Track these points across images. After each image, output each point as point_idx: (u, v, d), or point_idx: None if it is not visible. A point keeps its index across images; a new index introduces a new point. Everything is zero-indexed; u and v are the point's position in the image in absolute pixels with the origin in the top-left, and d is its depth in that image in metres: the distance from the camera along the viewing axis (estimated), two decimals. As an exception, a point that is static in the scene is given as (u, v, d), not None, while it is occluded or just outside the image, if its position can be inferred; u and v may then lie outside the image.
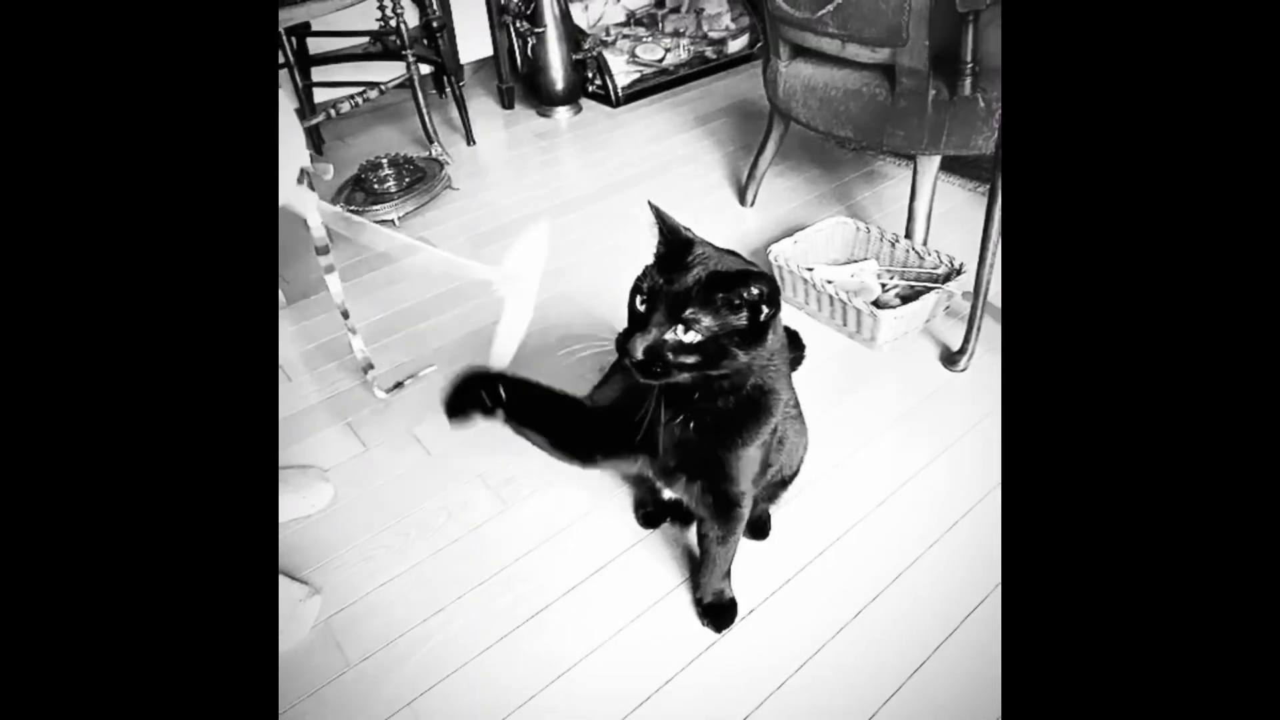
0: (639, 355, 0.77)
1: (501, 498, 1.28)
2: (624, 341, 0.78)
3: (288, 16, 1.78)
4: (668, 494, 1.00)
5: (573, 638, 1.06)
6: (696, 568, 1.11)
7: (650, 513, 1.20)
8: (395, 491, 1.31)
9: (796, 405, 1.08)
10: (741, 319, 0.77)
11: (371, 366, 1.48)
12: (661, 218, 0.80)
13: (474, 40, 2.92)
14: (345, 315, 1.38)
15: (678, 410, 0.85)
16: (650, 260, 0.81)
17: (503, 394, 0.86)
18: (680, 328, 0.76)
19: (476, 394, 0.86)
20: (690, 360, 0.77)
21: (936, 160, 1.61)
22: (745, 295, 0.76)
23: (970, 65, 1.44)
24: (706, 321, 0.76)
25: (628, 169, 2.34)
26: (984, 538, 1.15)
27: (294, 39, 2.34)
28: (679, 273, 0.77)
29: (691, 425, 0.85)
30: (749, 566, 1.13)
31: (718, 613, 1.07)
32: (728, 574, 1.06)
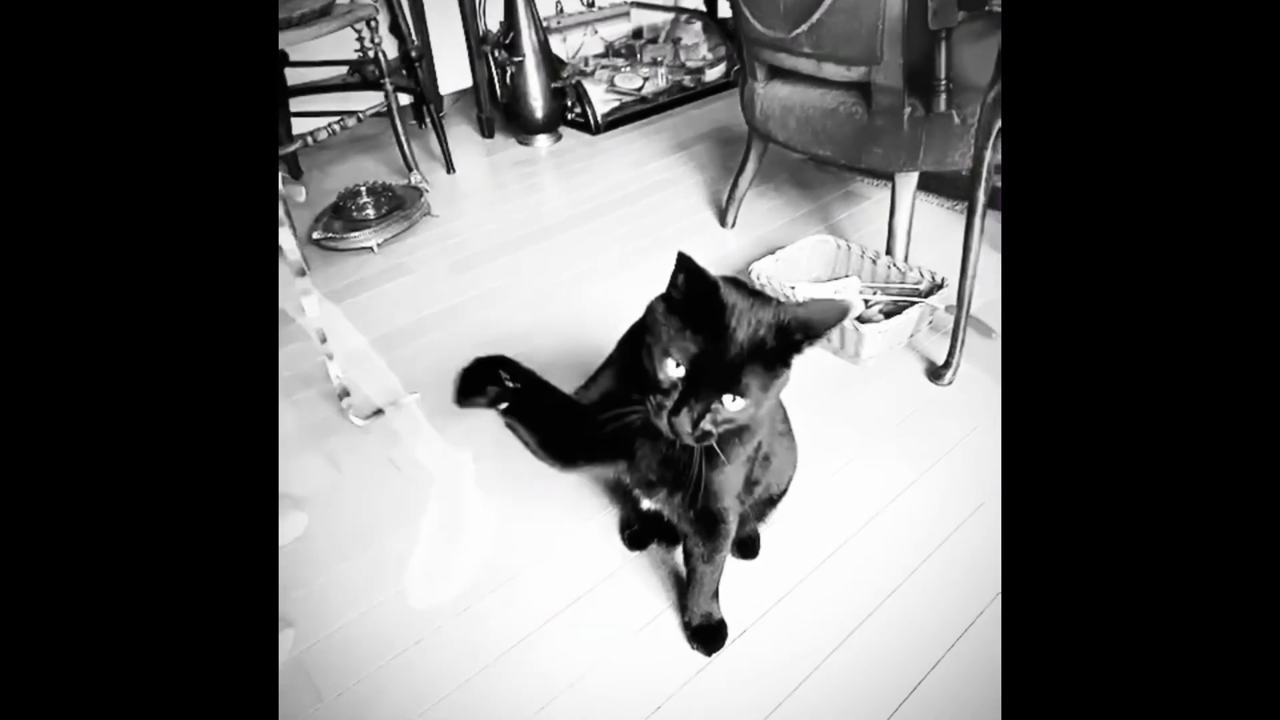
0: (689, 435, 0.73)
1: (479, 523, 1.25)
2: (670, 416, 0.73)
3: (264, 44, 1.78)
4: (647, 504, 0.97)
5: (557, 666, 1.02)
6: (684, 590, 1.08)
7: (636, 533, 1.17)
8: (372, 519, 1.27)
9: (785, 421, 1.06)
10: (786, 370, 0.74)
11: (348, 393, 1.44)
12: (686, 262, 0.71)
13: (453, 71, 2.93)
14: (323, 340, 1.35)
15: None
16: (660, 301, 0.76)
17: (511, 383, 0.83)
18: (729, 398, 0.72)
19: (494, 375, 0.83)
20: (732, 426, 0.76)
21: (914, 177, 1.62)
22: (798, 348, 0.72)
23: (944, 82, 1.46)
24: (757, 385, 0.72)
25: (609, 193, 2.34)
26: (977, 551, 1.13)
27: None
28: (718, 336, 0.71)
29: (678, 445, 0.82)
30: (739, 587, 1.09)
31: (707, 635, 1.03)
32: (715, 594, 1.03)
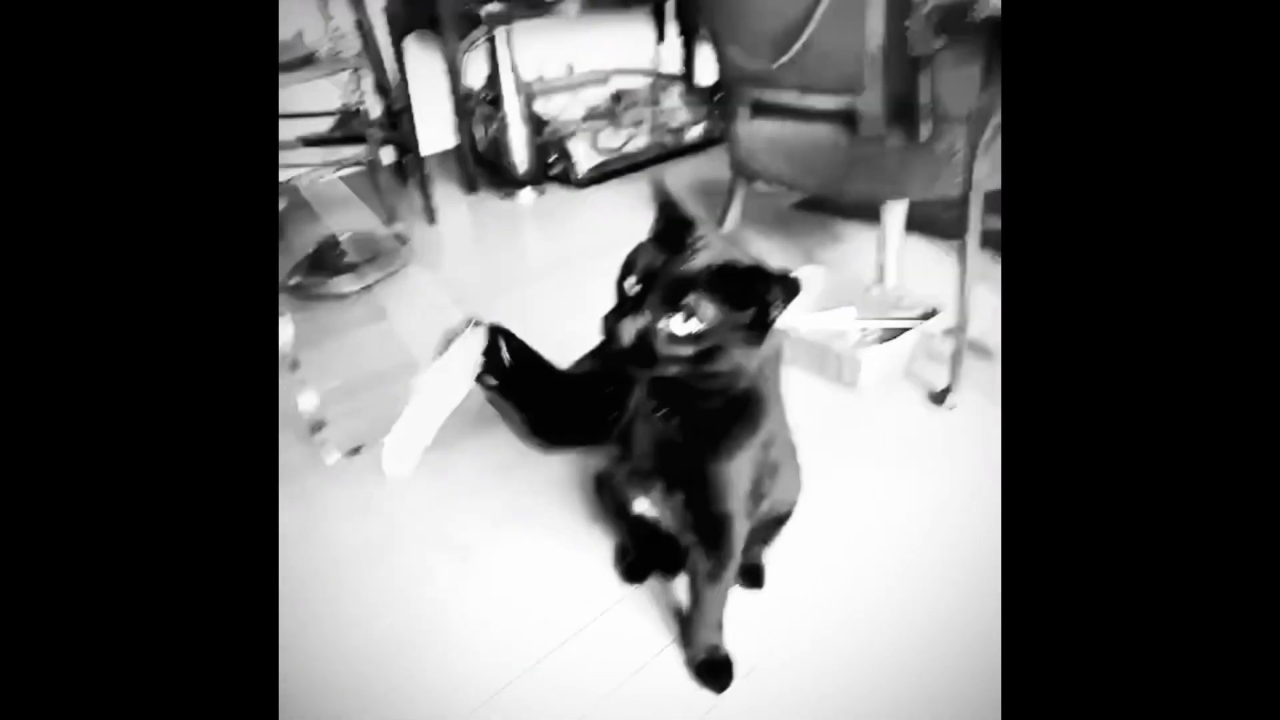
0: (627, 341, 0.69)
1: (464, 561, 1.15)
2: (611, 324, 0.70)
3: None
4: (642, 507, 0.89)
5: (550, 710, 0.92)
6: (687, 623, 0.99)
7: (633, 564, 1.08)
8: (345, 560, 1.17)
9: (790, 434, 0.99)
10: (746, 316, 0.70)
11: (321, 425, 1.36)
12: (662, 191, 0.74)
13: (436, 133, 2.96)
14: (295, 366, 1.28)
15: (661, 401, 0.76)
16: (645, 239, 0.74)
17: (508, 358, 0.77)
18: (679, 315, 0.68)
19: (491, 345, 0.77)
20: (683, 353, 0.69)
21: (902, 206, 1.61)
22: (764, 295, 0.69)
23: (928, 109, 1.47)
24: (708, 312, 0.68)
25: (593, 241, 2.32)
26: (989, 577, 1.05)
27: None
28: (681, 254, 0.70)
29: (675, 422, 0.76)
30: (746, 618, 1.00)
31: (714, 671, 0.93)
32: (720, 625, 0.94)
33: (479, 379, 0.78)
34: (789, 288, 0.68)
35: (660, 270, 0.69)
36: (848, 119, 1.58)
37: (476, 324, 0.79)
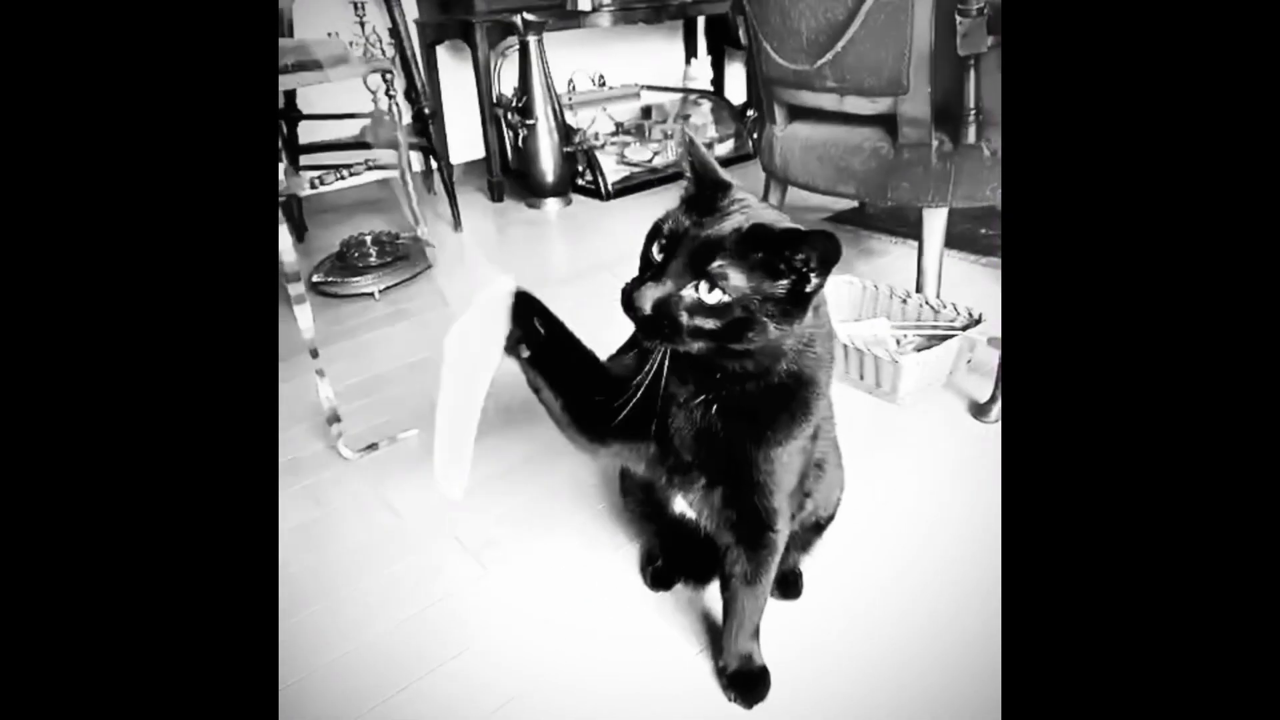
0: (647, 309, 0.63)
1: (481, 562, 1.09)
2: (631, 291, 0.64)
3: (280, 83, 1.76)
4: (680, 506, 0.82)
5: (569, 718, 0.85)
6: (719, 630, 0.92)
7: (660, 570, 1.01)
8: (357, 557, 1.11)
9: (834, 430, 0.93)
10: (780, 286, 0.63)
11: (339, 419, 1.31)
12: (694, 151, 0.68)
13: (464, 143, 2.96)
14: (314, 354, 1.23)
15: (699, 388, 0.70)
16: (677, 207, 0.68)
17: (541, 329, 0.72)
18: (704, 284, 0.62)
19: (524, 316, 0.72)
20: (708, 326, 0.63)
21: (943, 213, 1.56)
22: (795, 261, 0.62)
23: (974, 113, 1.42)
24: (736, 280, 0.62)
25: (618, 251, 2.28)
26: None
27: (284, 124, 2.34)
28: (711, 217, 0.64)
29: (715, 409, 0.70)
30: (779, 630, 0.93)
31: (746, 683, 0.86)
32: (756, 633, 0.87)
33: (512, 349, 0.72)
34: (827, 251, 0.61)
35: (686, 234, 0.64)
36: (889, 123, 1.53)
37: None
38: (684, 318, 0.63)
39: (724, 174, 0.68)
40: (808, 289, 0.64)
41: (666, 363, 0.68)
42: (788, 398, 0.71)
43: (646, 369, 0.68)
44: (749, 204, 0.66)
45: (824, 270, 0.63)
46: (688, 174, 0.68)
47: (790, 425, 0.72)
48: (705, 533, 0.82)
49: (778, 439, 0.72)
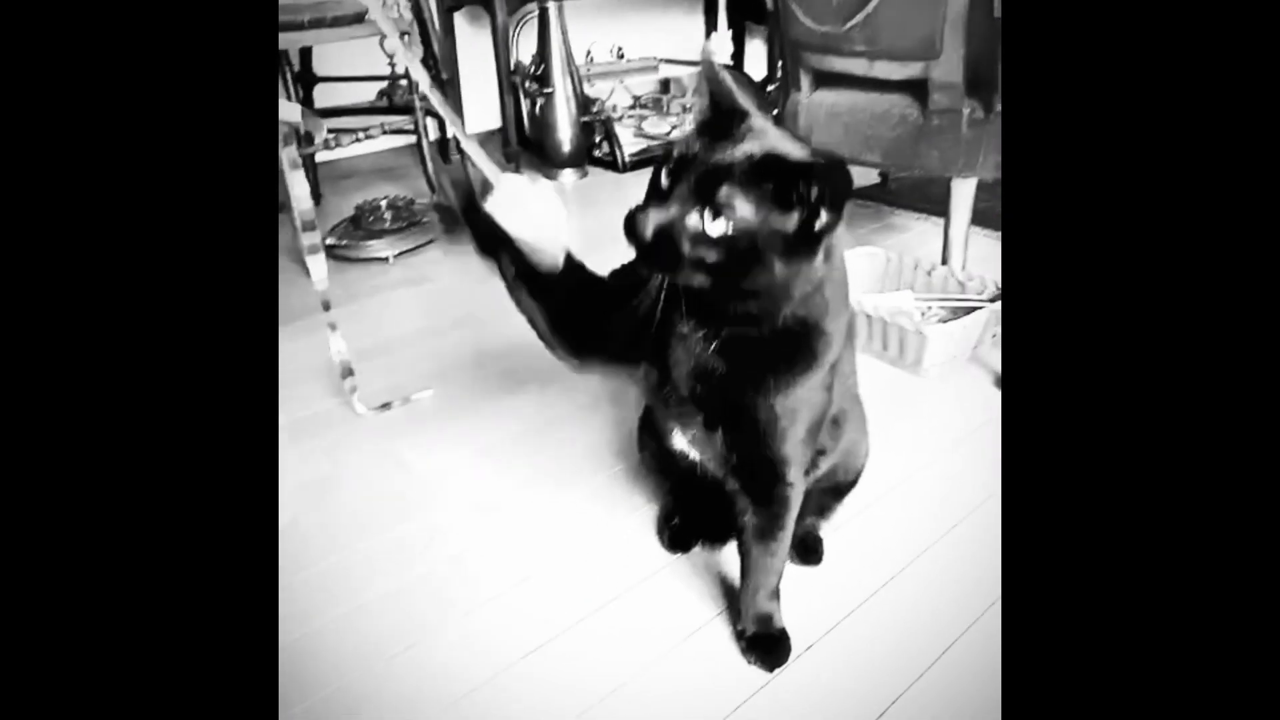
0: (648, 234, 0.60)
1: (494, 520, 1.07)
2: (633, 214, 0.61)
3: (295, 39, 1.73)
4: (678, 443, 0.79)
5: (581, 679, 0.83)
6: (737, 596, 0.90)
7: (678, 529, 0.99)
8: (369, 513, 1.09)
9: (858, 390, 0.90)
10: (790, 222, 0.60)
11: (352, 373, 1.29)
12: (711, 73, 0.64)
13: (481, 112, 2.92)
14: (326, 307, 1.21)
15: (699, 323, 0.67)
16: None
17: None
18: (708, 213, 0.59)
19: (497, 232, 0.70)
20: (711, 258, 0.60)
21: (973, 183, 1.51)
22: (802, 192, 0.59)
23: (1008, 78, 1.37)
24: (743, 211, 0.59)
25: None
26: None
27: (300, 88, 2.31)
28: (724, 143, 0.60)
29: (714, 347, 0.67)
30: (801, 597, 0.91)
31: (766, 646, 0.84)
32: (776, 594, 0.85)
33: (501, 269, 0.71)
34: (837, 185, 0.58)
35: (695, 160, 0.60)
36: (919, 89, 1.49)
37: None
38: (686, 247, 0.60)
39: (742, 100, 0.64)
40: (818, 226, 0.61)
41: (664, 290, 0.65)
42: (792, 346, 0.68)
43: (645, 290, 0.65)
44: (766, 132, 0.62)
45: (835, 206, 0.60)
46: (704, 99, 0.65)
47: (791, 374, 0.69)
48: (717, 483, 0.79)
49: (779, 387, 0.69)
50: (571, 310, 0.73)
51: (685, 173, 0.60)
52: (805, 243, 0.61)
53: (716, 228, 0.59)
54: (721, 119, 0.63)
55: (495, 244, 0.73)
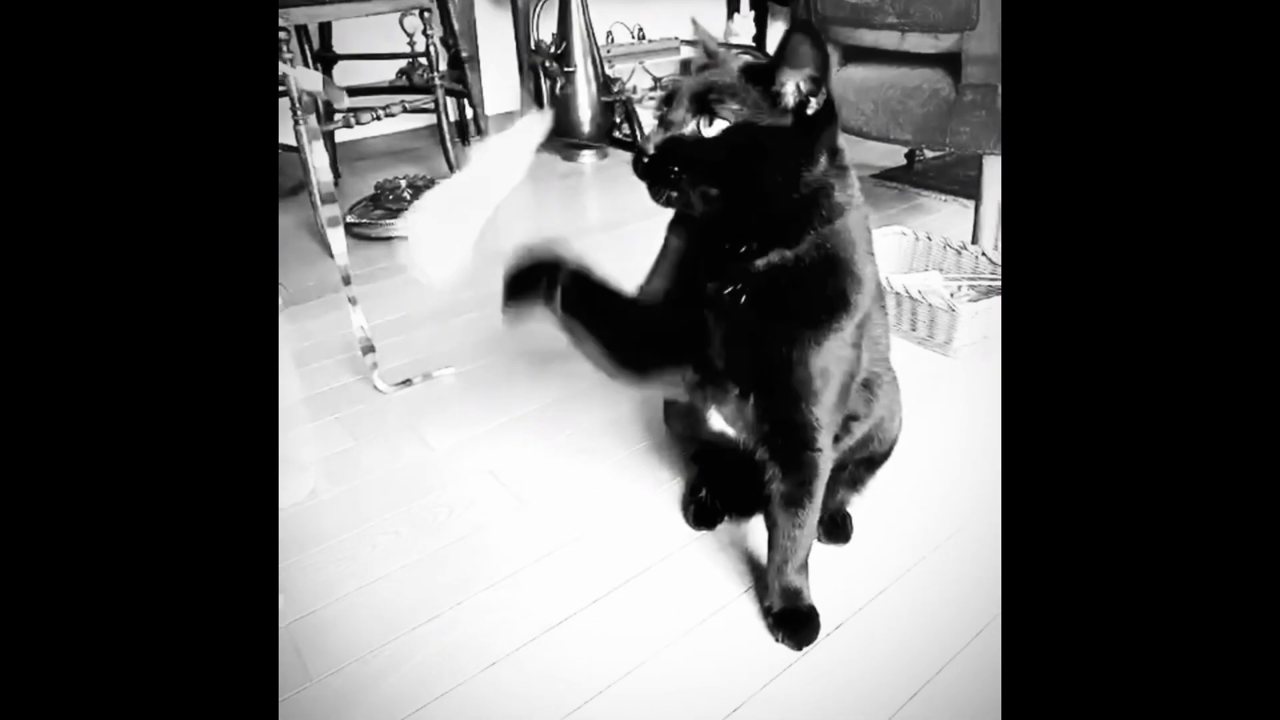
0: (651, 150, 0.63)
1: (516, 495, 1.06)
2: (637, 146, 0.65)
3: (315, 14, 1.71)
4: (715, 424, 0.78)
5: (603, 654, 0.81)
6: (764, 572, 0.87)
7: (703, 506, 0.97)
8: (389, 487, 1.08)
9: (888, 353, 0.87)
10: (783, 117, 0.62)
11: (373, 349, 1.28)
12: (699, 32, 0.72)
13: (501, 94, 2.90)
14: (346, 281, 1.20)
15: (728, 277, 0.67)
16: None
17: (563, 282, 0.70)
18: (704, 118, 0.62)
19: (539, 278, 0.70)
20: (714, 160, 0.62)
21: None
22: (793, 86, 0.62)
23: (1045, 50, 1.33)
24: (733, 105, 0.61)
25: (650, 207, 2.22)
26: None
27: (320, 65, 2.29)
28: (709, 69, 0.66)
29: (745, 300, 0.67)
30: (830, 575, 0.89)
31: (794, 623, 0.82)
32: (803, 567, 0.82)
33: (547, 298, 0.71)
34: (802, 50, 0.59)
35: (687, 85, 0.65)
36: (951, 63, 1.45)
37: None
38: (689, 156, 0.62)
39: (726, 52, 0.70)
40: (809, 111, 0.63)
41: (688, 259, 0.70)
42: (821, 283, 0.67)
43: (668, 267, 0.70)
44: (744, 57, 0.68)
45: (817, 86, 0.62)
46: (700, 51, 0.71)
47: (825, 321, 0.68)
48: (747, 456, 0.77)
49: (815, 336, 0.68)
50: (624, 339, 0.74)
51: (680, 95, 0.64)
52: (804, 133, 0.63)
53: (713, 129, 0.62)
54: (709, 61, 0.69)
55: (531, 285, 0.75)
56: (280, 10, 1.61)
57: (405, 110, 2.05)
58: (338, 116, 1.73)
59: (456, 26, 2.33)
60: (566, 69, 2.45)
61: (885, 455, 0.90)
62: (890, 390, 0.85)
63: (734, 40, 3.25)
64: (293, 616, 0.87)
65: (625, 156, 2.69)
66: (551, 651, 0.82)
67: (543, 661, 0.81)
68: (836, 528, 0.93)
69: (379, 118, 1.98)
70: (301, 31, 2.22)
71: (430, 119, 2.77)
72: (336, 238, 1.16)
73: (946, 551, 0.93)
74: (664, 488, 1.04)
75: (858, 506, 0.96)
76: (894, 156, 2.44)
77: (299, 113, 1.59)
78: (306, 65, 2.28)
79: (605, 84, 2.60)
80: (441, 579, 0.92)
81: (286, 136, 1.95)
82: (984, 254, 1.46)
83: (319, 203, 1.13)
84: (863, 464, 0.89)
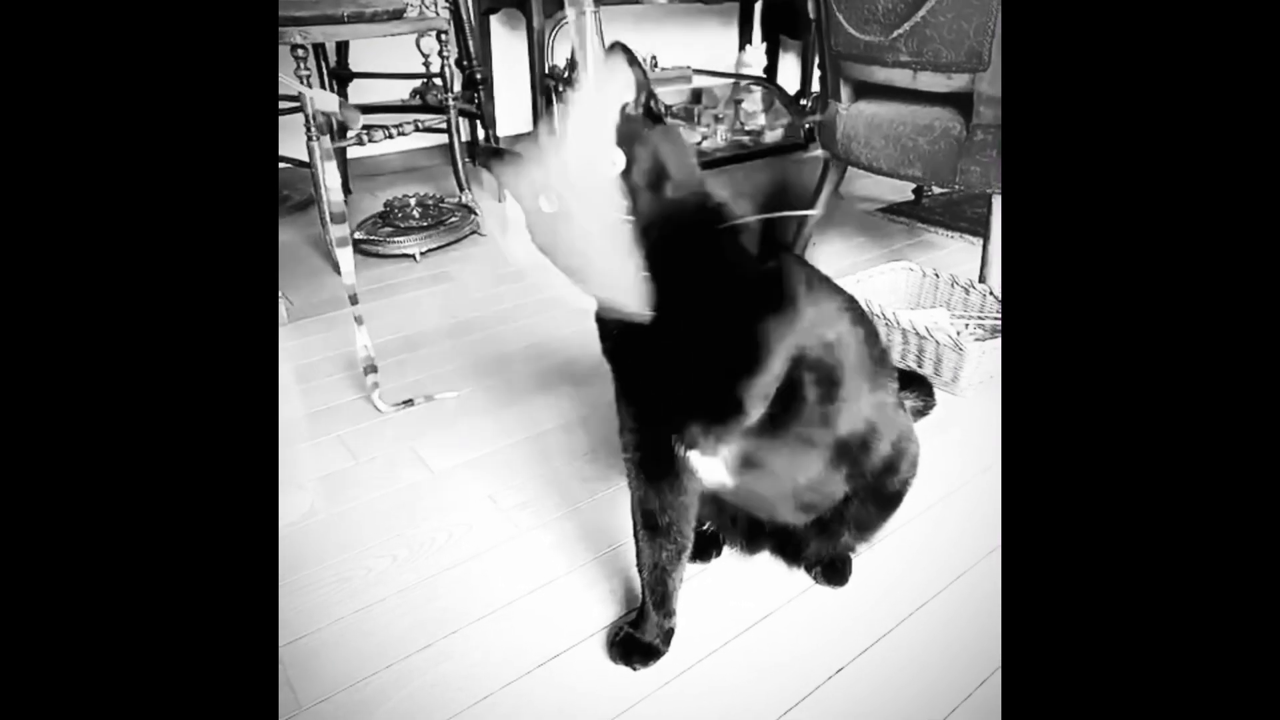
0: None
1: (515, 522, 1.04)
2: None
3: (333, 33, 1.73)
4: (705, 477, 0.79)
5: (602, 690, 0.80)
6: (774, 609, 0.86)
7: (705, 534, 0.95)
8: (387, 509, 1.07)
9: (892, 394, 0.85)
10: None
11: (375, 369, 1.28)
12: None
13: (513, 116, 2.93)
14: (353, 300, 1.20)
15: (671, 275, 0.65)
16: None
17: None
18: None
19: None
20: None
21: (1015, 200, 1.48)
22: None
23: (1057, 93, 1.34)
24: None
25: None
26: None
27: (336, 82, 2.31)
28: None
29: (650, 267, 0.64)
30: (831, 618, 0.87)
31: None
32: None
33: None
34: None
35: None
36: (962, 102, 1.46)
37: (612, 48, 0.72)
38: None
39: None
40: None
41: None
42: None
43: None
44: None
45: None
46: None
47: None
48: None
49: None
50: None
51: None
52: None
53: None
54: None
55: None
56: (299, 29, 1.62)
57: (418, 129, 2.07)
58: (351, 134, 1.74)
59: (472, 48, 2.36)
60: (579, 94, 2.47)
61: (899, 496, 0.89)
62: (892, 418, 0.84)
63: (746, 73, 3.29)
64: (285, 640, 0.86)
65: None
66: (551, 684, 0.81)
67: (537, 696, 0.79)
68: (834, 570, 0.92)
69: (391, 136, 1.99)
70: (319, 49, 2.25)
71: (442, 138, 2.78)
72: (345, 257, 1.16)
73: (950, 595, 0.91)
74: (665, 520, 1.03)
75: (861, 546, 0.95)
76: (902, 191, 2.46)
77: (314, 133, 1.60)
78: (322, 82, 2.30)
79: (617, 110, 2.62)
80: (437, 606, 0.91)
81: (299, 151, 1.97)
82: (991, 292, 1.45)
83: (329, 222, 1.13)
84: (879, 500, 0.87)
